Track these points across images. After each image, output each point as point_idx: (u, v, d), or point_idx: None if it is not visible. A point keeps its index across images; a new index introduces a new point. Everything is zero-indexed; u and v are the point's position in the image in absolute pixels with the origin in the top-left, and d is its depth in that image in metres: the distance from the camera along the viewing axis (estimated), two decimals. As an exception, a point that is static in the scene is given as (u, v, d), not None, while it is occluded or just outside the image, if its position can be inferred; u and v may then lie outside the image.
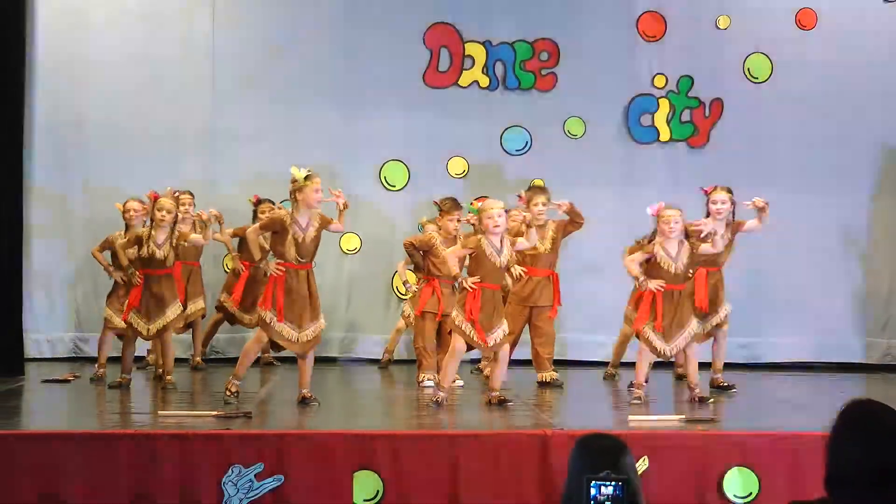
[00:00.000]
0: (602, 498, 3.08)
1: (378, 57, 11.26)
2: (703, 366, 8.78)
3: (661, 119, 11.42)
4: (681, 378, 9.24)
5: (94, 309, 10.97)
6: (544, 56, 11.37)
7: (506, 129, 11.36)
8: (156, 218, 8.78)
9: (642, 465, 6.35)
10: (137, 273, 8.86)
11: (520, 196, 9.26)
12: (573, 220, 9.16)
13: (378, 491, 6.34)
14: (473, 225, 8.64)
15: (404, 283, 10.23)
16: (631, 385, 8.47)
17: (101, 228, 9.99)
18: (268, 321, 7.79)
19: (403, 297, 11.05)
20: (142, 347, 9.77)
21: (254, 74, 11.22)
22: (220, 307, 10.50)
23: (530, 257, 9.19)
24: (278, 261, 7.82)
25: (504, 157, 11.32)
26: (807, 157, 11.38)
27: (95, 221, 10.78)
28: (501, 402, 7.99)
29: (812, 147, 11.40)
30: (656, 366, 8.67)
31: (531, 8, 11.37)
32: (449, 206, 9.43)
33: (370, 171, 11.27)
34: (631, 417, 7.47)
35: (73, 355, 10.99)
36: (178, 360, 9.49)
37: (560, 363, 9.69)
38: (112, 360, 9.43)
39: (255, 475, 6.27)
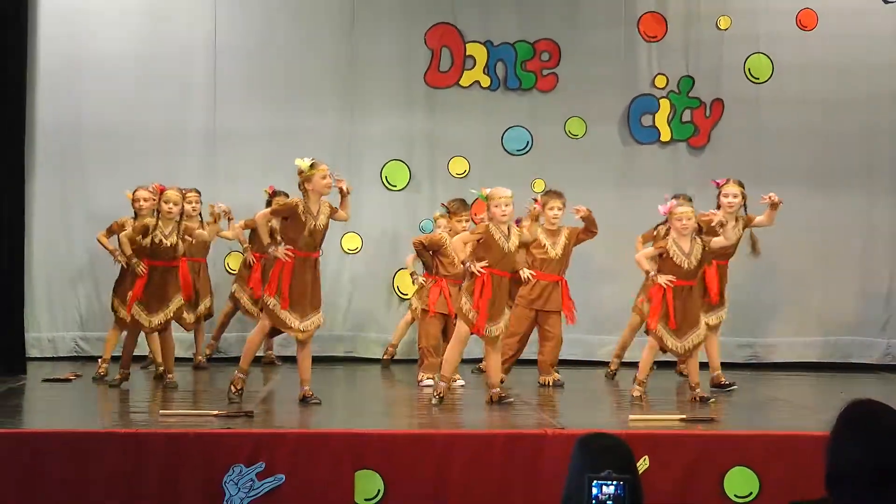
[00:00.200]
0: (603, 497, 3.08)
1: (379, 57, 11.26)
2: (702, 365, 8.78)
3: (661, 119, 11.42)
4: (683, 375, 9.26)
5: (95, 308, 11.00)
6: (545, 56, 11.38)
7: (507, 129, 11.36)
8: (162, 210, 8.81)
9: (643, 464, 6.36)
10: (142, 264, 8.85)
11: (535, 200, 9.30)
12: (587, 229, 9.21)
13: (379, 490, 6.35)
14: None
15: (412, 274, 10.25)
16: (634, 380, 8.48)
17: (103, 228, 9.98)
18: (271, 307, 7.81)
19: (405, 296, 11.07)
20: (144, 346, 9.79)
21: (255, 74, 11.22)
22: (232, 298, 10.49)
23: (540, 261, 9.22)
24: (288, 247, 7.84)
25: (505, 157, 11.33)
26: (807, 158, 11.38)
27: (97, 221, 10.77)
28: (502, 400, 8.00)
29: (812, 148, 11.40)
30: (657, 365, 8.67)
31: (532, 8, 11.38)
32: (457, 207, 9.45)
33: (371, 170, 11.27)
34: (631, 417, 7.49)
35: (75, 354, 10.99)
36: (179, 359, 9.50)
37: (560, 363, 9.69)
38: (116, 358, 9.43)
39: (256, 474, 6.28)
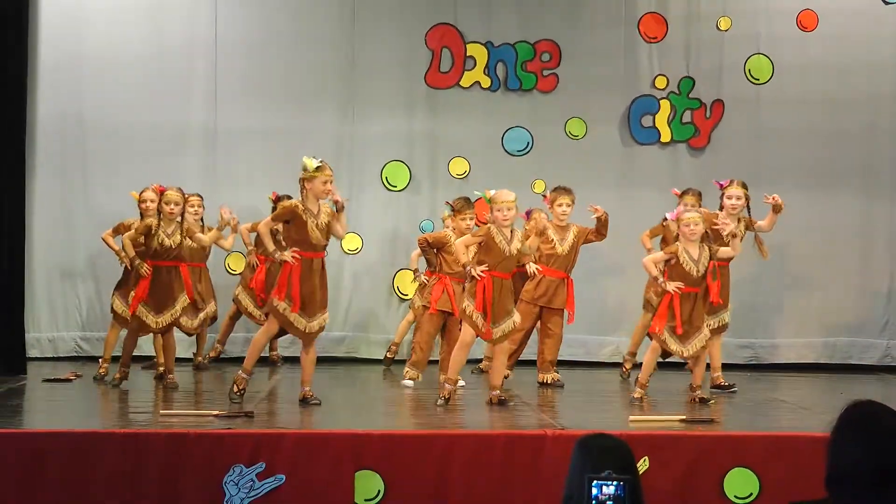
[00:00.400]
0: (603, 498, 3.08)
1: (380, 57, 11.27)
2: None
3: (662, 120, 11.43)
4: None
5: (95, 308, 11.01)
6: (546, 57, 11.38)
7: (507, 129, 11.37)
8: (164, 211, 8.83)
9: (643, 465, 6.36)
10: (145, 264, 8.86)
11: (544, 196, 9.31)
12: (598, 231, 9.24)
13: (379, 491, 6.35)
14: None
15: (414, 271, 10.25)
16: (636, 382, 8.49)
17: (104, 227, 9.99)
18: (281, 311, 7.81)
19: (405, 297, 11.08)
20: (146, 346, 9.79)
21: (256, 74, 11.23)
22: (235, 300, 10.50)
23: (546, 257, 9.23)
24: (294, 249, 7.83)
25: (505, 158, 11.33)
26: (807, 159, 11.39)
27: (97, 220, 10.79)
28: (502, 402, 8.01)
29: (812, 148, 11.41)
30: (658, 366, 8.67)
31: (533, 9, 11.38)
32: (461, 205, 9.46)
33: (372, 171, 11.28)
34: (632, 418, 7.49)
35: (75, 354, 11.00)
36: (180, 360, 9.51)
37: (560, 363, 9.70)
38: (116, 358, 9.44)
39: (256, 475, 6.28)
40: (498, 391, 8.12)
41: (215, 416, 7.13)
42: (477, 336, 8.15)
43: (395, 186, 11.32)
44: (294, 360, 9.73)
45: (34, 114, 10.72)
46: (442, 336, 9.54)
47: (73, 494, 6.26)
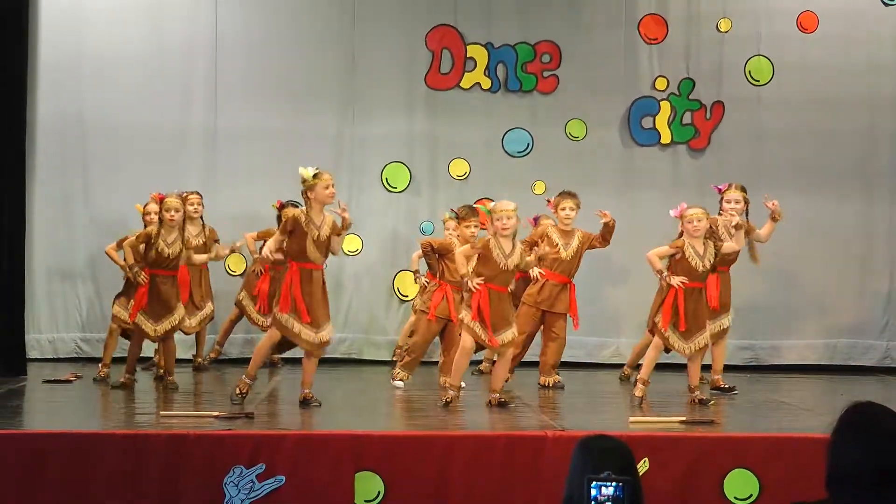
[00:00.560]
0: (603, 498, 3.09)
1: (380, 59, 11.28)
2: (703, 367, 8.79)
3: (662, 121, 11.43)
4: None
5: (96, 309, 11.00)
6: (546, 58, 11.39)
7: (507, 130, 11.37)
8: (165, 219, 8.82)
9: (643, 466, 6.36)
10: (144, 273, 8.86)
11: (548, 201, 9.30)
12: (603, 237, 9.23)
13: (379, 492, 6.36)
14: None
15: (415, 272, 10.24)
16: (637, 379, 8.48)
17: (104, 228, 10.02)
18: (284, 323, 7.81)
19: (405, 298, 11.08)
20: (148, 347, 9.79)
21: (256, 75, 11.23)
22: (238, 304, 10.50)
23: (550, 261, 9.22)
24: (291, 259, 7.85)
25: (505, 159, 11.33)
26: (807, 160, 11.39)
27: (98, 221, 10.80)
28: (501, 405, 8.01)
29: (812, 150, 11.41)
30: (658, 367, 8.67)
31: (533, 10, 11.38)
32: (466, 213, 9.43)
33: (372, 172, 11.28)
34: (632, 419, 7.49)
35: (75, 356, 11.00)
36: (180, 361, 9.51)
37: (561, 365, 9.69)
38: (116, 360, 9.45)
39: (256, 476, 6.29)
40: (497, 394, 8.11)
41: (215, 417, 7.13)
42: (482, 346, 8.15)
43: (396, 187, 11.32)
44: (294, 362, 9.72)
45: (34, 114, 10.72)
46: (441, 340, 9.53)
47: (73, 495, 6.26)
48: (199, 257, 9.63)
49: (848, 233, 11.46)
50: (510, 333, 8.08)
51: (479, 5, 11.38)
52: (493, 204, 8.18)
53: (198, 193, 10.07)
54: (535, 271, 8.78)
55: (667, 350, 8.45)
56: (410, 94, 11.32)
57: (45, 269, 11.00)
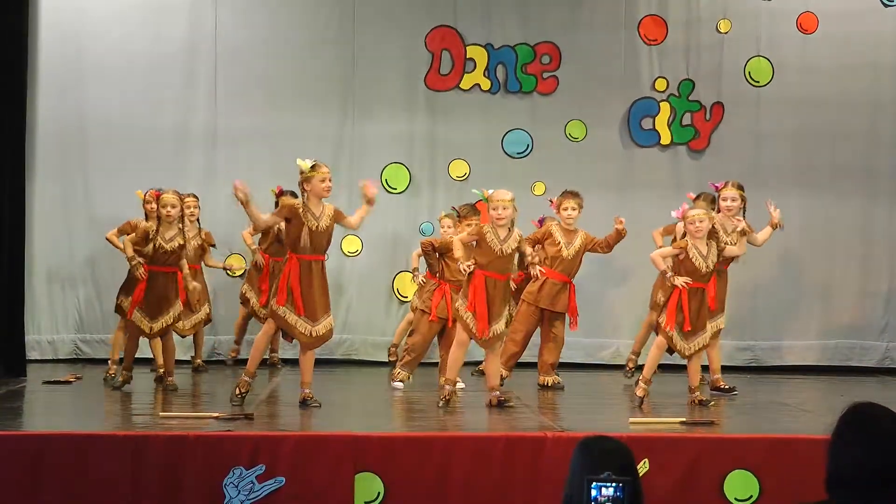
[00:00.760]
0: (602, 499, 3.08)
1: (380, 60, 11.28)
2: (702, 368, 8.79)
3: (661, 122, 11.43)
4: None
5: (95, 310, 11.00)
6: (546, 59, 11.39)
7: (507, 131, 11.37)
8: (162, 215, 8.82)
9: (643, 467, 6.36)
10: (142, 267, 8.84)
11: (551, 201, 9.30)
12: (608, 243, 9.23)
13: (379, 493, 6.35)
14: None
15: (413, 270, 10.21)
16: (639, 378, 8.48)
17: (104, 229, 9.99)
18: (281, 314, 7.80)
19: (404, 299, 11.08)
20: (145, 350, 9.79)
21: (256, 76, 11.23)
22: (243, 300, 10.49)
23: (551, 259, 9.22)
24: (291, 253, 7.84)
25: (505, 160, 11.33)
26: (807, 161, 11.39)
27: (98, 222, 10.78)
28: (501, 404, 8.01)
29: (812, 151, 11.41)
30: (658, 368, 8.67)
31: (533, 11, 11.38)
32: (467, 211, 9.44)
33: (372, 173, 11.25)
34: (632, 420, 7.49)
35: (75, 356, 11.00)
36: (179, 362, 9.50)
37: (560, 365, 9.70)
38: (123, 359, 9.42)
39: (256, 477, 6.28)
40: (496, 392, 8.11)
41: (215, 418, 7.13)
42: (472, 339, 8.15)
43: (395, 189, 11.32)
44: (294, 363, 9.72)
45: (34, 115, 10.71)
46: (440, 340, 9.53)
47: (72, 496, 6.26)
48: (214, 262, 9.77)
49: (848, 233, 11.46)
50: (500, 326, 8.07)
51: (478, 6, 11.38)
52: (491, 192, 8.18)
53: (194, 196, 10.07)
54: (535, 269, 8.78)
55: (669, 351, 8.45)
56: (410, 95, 11.32)
57: (45, 270, 11.00)
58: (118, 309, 9.63)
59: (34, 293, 10.80)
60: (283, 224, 8.21)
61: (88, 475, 6.28)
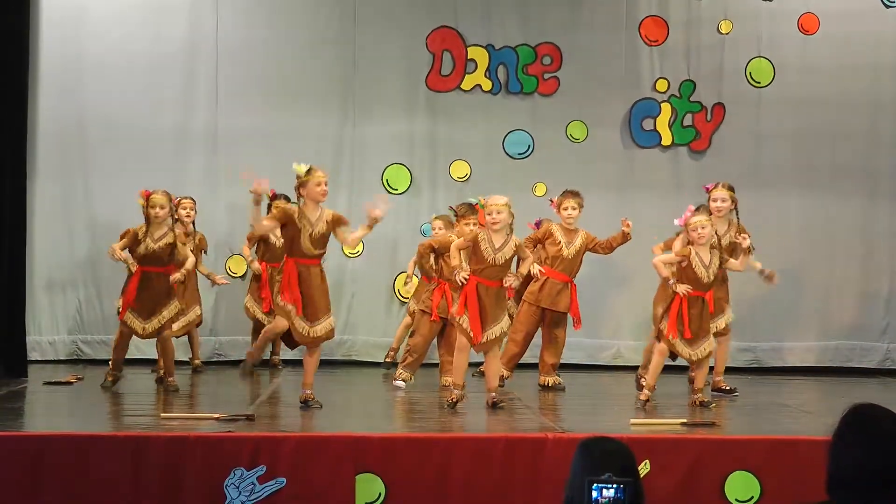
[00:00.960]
0: (603, 500, 3.08)
1: (381, 60, 11.28)
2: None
3: (663, 123, 11.43)
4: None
5: (96, 311, 11.00)
6: (547, 60, 11.39)
7: (508, 132, 11.37)
8: (150, 215, 8.76)
9: (644, 468, 6.36)
10: (134, 262, 8.80)
11: (551, 201, 9.30)
12: (610, 244, 9.21)
13: (380, 494, 6.35)
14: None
15: (408, 277, 10.20)
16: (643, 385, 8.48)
17: (104, 230, 10.00)
18: (287, 310, 7.81)
19: (405, 300, 11.07)
20: (149, 349, 9.79)
21: (257, 77, 11.23)
22: (247, 311, 10.43)
23: (552, 258, 9.21)
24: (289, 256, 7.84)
25: (506, 161, 11.33)
26: (808, 162, 11.39)
27: (98, 223, 10.79)
28: (495, 405, 7.99)
29: (813, 151, 11.41)
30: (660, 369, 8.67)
31: (533, 12, 11.39)
32: (465, 210, 9.44)
33: (373, 174, 11.28)
34: (633, 421, 7.48)
35: (75, 357, 11.00)
36: (179, 363, 9.50)
37: (561, 366, 9.70)
38: (127, 361, 9.36)
39: (257, 478, 6.28)
40: (494, 394, 8.10)
41: (216, 418, 7.12)
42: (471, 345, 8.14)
43: (396, 189, 11.31)
44: (294, 364, 9.72)
45: (35, 116, 10.70)
46: (439, 340, 9.53)
47: (73, 497, 6.25)
48: (202, 268, 9.78)
49: (848, 234, 11.46)
50: (496, 330, 8.06)
51: (479, 7, 11.38)
52: (486, 199, 8.16)
53: (191, 199, 10.06)
54: (535, 268, 8.77)
55: (672, 356, 8.44)
56: (411, 95, 11.32)
57: (46, 270, 10.99)
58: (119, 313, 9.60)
59: (35, 293, 10.79)
60: (278, 231, 8.21)
61: (89, 476, 6.28)
